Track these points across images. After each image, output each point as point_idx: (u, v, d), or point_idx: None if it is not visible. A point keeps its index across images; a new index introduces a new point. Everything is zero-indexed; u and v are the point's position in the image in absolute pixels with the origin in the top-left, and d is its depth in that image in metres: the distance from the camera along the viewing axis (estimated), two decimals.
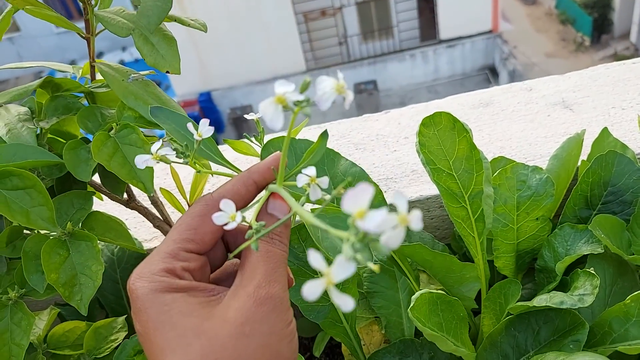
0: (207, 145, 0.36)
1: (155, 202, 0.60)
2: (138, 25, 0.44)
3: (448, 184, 0.55)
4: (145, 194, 0.47)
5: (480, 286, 0.60)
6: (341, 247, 0.22)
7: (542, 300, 0.52)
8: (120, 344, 0.56)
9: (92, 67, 0.51)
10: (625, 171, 0.63)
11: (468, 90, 0.97)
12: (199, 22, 0.49)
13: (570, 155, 0.67)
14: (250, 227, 0.30)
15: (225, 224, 0.31)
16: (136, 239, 0.70)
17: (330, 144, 0.87)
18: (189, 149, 0.35)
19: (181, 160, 0.34)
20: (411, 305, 0.49)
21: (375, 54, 8.84)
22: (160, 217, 0.62)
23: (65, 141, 0.50)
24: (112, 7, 0.48)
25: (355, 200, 0.21)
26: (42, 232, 0.48)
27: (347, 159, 0.58)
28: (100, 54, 9.12)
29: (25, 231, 0.50)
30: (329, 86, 0.26)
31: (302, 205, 0.31)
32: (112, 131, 0.47)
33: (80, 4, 0.46)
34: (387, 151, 0.83)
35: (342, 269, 0.21)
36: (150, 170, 0.46)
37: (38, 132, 0.49)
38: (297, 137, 0.56)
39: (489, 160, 0.66)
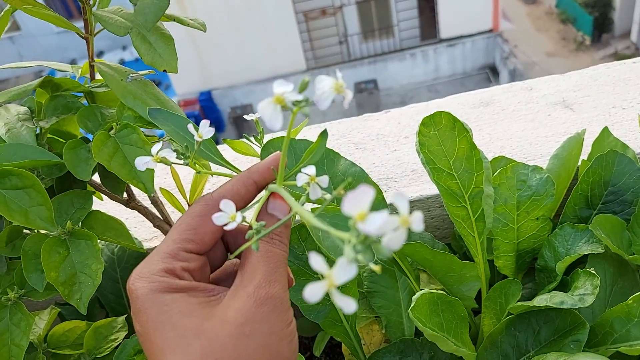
0: (206, 145, 0.36)
1: (155, 201, 0.60)
2: (135, 24, 0.44)
3: (448, 183, 0.55)
4: (145, 194, 0.47)
5: (480, 286, 0.60)
6: (342, 246, 0.21)
7: (542, 300, 0.52)
8: (120, 343, 0.56)
9: (92, 67, 0.51)
10: (625, 171, 0.63)
11: (468, 90, 0.97)
12: (198, 22, 0.49)
13: (570, 154, 0.67)
14: (250, 227, 0.30)
15: (225, 224, 0.30)
16: (136, 239, 0.70)
17: (330, 144, 0.87)
18: (189, 150, 0.35)
19: (181, 162, 0.34)
20: (412, 305, 0.49)
21: (375, 53, 8.83)
22: (160, 217, 0.62)
23: (64, 141, 0.50)
24: (110, 6, 0.48)
25: (355, 202, 0.20)
26: (42, 231, 0.48)
27: (346, 159, 0.58)
28: (100, 53, 9.13)
29: (25, 231, 0.50)
30: (327, 85, 0.26)
31: (302, 204, 0.31)
32: (112, 131, 0.47)
33: (80, 3, 0.46)
34: (387, 151, 0.83)
35: (344, 271, 0.21)
36: (150, 170, 0.46)
37: (38, 131, 0.48)
38: (297, 137, 0.56)
39: (490, 159, 0.66)
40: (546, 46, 9.19)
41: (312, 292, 0.21)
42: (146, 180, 0.45)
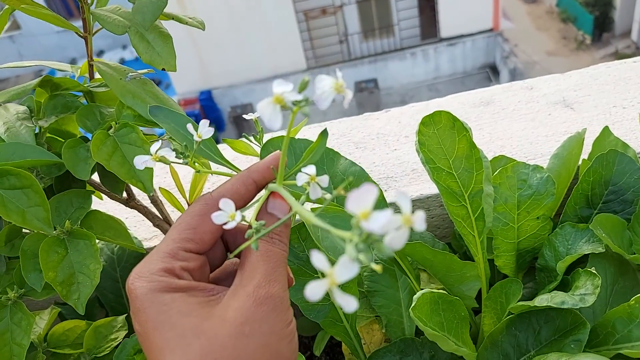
0: (206, 144, 0.36)
1: (154, 201, 0.60)
2: (134, 23, 0.44)
3: (448, 182, 0.55)
4: (145, 193, 0.47)
5: (480, 285, 0.60)
6: (341, 246, 0.21)
7: (543, 300, 0.52)
8: (120, 343, 0.56)
9: (91, 66, 0.51)
10: (626, 170, 0.63)
11: (469, 89, 0.97)
12: (196, 20, 0.49)
13: (571, 154, 0.67)
14: (250, 227, 0.30)
15: (225, 224, 0.30)
16: (136, 238, 0.70)
17: (330, 143, 0.86)
18: (189, 149, 0.34)
19: (181, 161, 0.34)
20: (412, 304, 0.49)
21: (376, 52, 8.83)
22: (160, 216, 0.62)
23: (64, 140, 0.49)
24: (109, 5, 0.48)
25: (359, 200, 0.20)
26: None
27: (346, 158, 0.58)
28: (100, 53, 9.13)
29: (24, 230, 0.50)
30: (327, 85, 0.26)
31: (302, 204, 0.31)
32: (111, 130, 0.47)
33: (78, 2, 0.46)
34: (387, 150, 0.83)
35: (346, 269, 0.21)
36: (149, 169, 0.46)
37: (37, 131, 0.48)
38: (296, 136, 0.55)
39: (490, 159, 0.66)
40: (547, 45, 9.19)
41: (314, 291, 0.21)
42: (145, 179, 0.45)
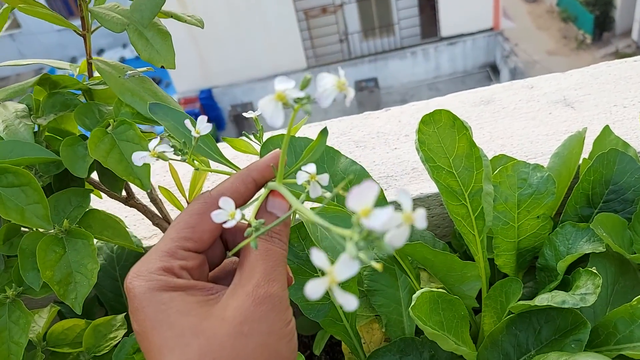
0: (206, 142, 0.36)
1: (154, 199, 0.60)
2: (132, 20, 0.43)
3: (448, 181, 0.55)
4: (144, 191, 0.47)
5: (481, 285, 0.60)
6: (340, 247, 0.21)
7: (543, 299, 0.52)
8: (119, 341, 0.56)
9: (89, 64, 0.51)
10: (626, 169, 0.63)
11: (469, 88, 0.96)
12: (195, 18, 0.49)
13: (571, 153, 0.67)
14: (249, 225, 0.30)
15: (224, 222, 0.30)
16: (135, 237, 0.69)
17: (330, 142, 0.86)
18: (187, 146, 0.34)
19: (179, 158, 0.34)
20: (412, 304, 0.49)
21: (376, 51, 8.83)
22: (159, 215, 0.61)
23: (62, 138, 0.49)
24: (107, 2, 0.48)
25: (360, 198, 0.20)
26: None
27: (347, 157, 0.57)
28: (101, 51, 9.12)
29: (22, 228, 0.50)
30: (329, 83, 0.26)
31: (302, 203, 0.30)
32: (110, 127, 0.47)
33: (77, 0, 0.46)
34: (387, 149, 0.82)
35: (346, 267, 0.21)
36: (146, 166, 0.46)
37: (36, 129, 0.48)
38: (297, 135, 0.55)
39: (490, 158, 0.66)
40: (547, 45, 9.18)
41: (313, 289, 0.21)
42: (142, 176, 0.45)
